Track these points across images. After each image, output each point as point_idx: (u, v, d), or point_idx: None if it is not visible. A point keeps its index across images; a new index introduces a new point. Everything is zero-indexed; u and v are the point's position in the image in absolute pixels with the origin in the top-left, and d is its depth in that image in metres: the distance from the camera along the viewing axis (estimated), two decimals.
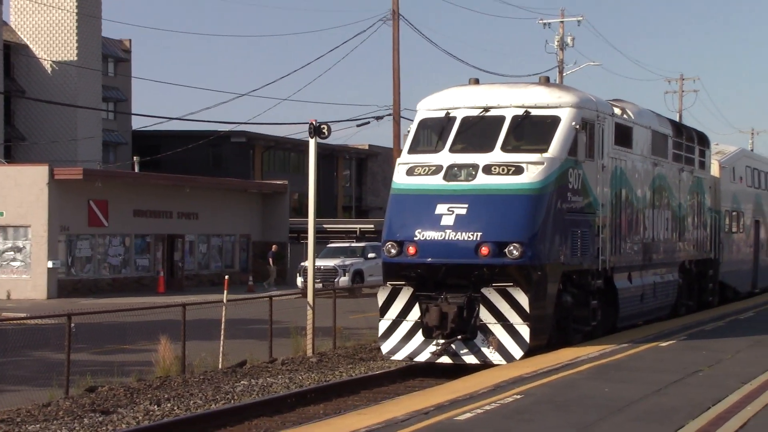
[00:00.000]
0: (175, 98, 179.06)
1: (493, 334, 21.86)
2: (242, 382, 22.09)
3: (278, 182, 70.79)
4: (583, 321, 24.35)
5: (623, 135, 26.51)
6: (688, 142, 32.43)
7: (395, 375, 22.97)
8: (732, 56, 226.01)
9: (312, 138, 26.92)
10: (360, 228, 72.87)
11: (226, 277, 26.55)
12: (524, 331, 21.71)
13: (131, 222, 57.51)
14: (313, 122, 26.91)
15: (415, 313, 22.49)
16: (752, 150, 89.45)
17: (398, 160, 23.93)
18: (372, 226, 72.57)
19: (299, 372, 23.77)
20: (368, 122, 55.76)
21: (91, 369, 22.83)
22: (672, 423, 13.99)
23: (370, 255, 55.77)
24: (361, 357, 26.38)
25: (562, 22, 68.58)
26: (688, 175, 32.15)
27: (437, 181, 22.72)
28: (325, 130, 26.80)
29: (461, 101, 24.00)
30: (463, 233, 21.97)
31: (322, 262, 50.17)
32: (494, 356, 21.81)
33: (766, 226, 43.96)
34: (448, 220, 22.13)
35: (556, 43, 67.76)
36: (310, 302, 27.02)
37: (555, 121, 23.23)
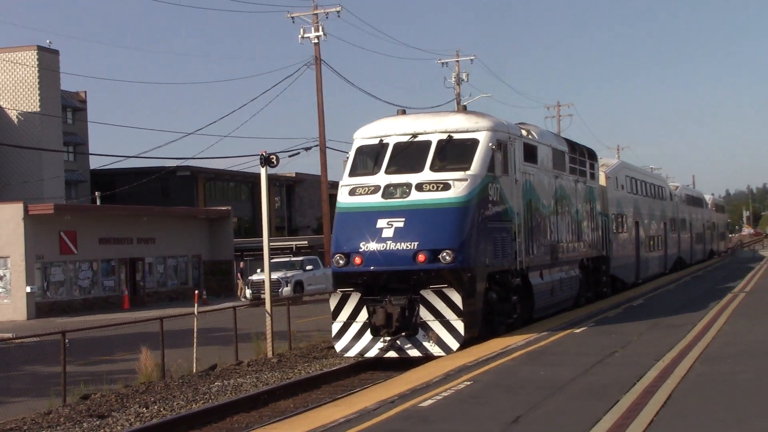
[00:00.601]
0: (126, 140, 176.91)
1: (432, 329, 21.55)
2: (216, 384, 21.46)
3: (222, 208, 70.05)
4: (506, 314, 24.09)
5: (530, 153, 26.37)
6: (581, 157, 32.46)
7: (348, 370, 22.47)
8: (599, 84, 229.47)
9: (263, 167, 26.39)
10: (296, 244, 72.27)
11: (196, 291, 25.96)
12: (459, 325, 21.43)
13: (97, 248, 56.44)
14: (263, 153, 26.38)
15: (364, 315, 22.10)
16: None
17: (341, 183, 23.49)
18: (306, 242, 72.08)
19: (264, 372, 23.18)
20: (298, 153, 55.34)
21: (82, 379, 22.08)
22: (608, 398, 13.70)
23: (308, 267, 55.36)
24: (315, 356, 25.85)
25: (457, 61, 68.65)
26: (582, 185, 32.15)
27: (377, 199, 22.35)
28: (274, 160, 26.29)
29: (392, 129, 23.67)
30: (402, 243, 21.63)
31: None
32: (434, 349, 21.48)
33: (644, 227, 44.30)
34: (388, 233, 21.76)
35: (453, 79, 67.77)
36: (269, 310, 26.44)
37: (474, 143, 23.02)
